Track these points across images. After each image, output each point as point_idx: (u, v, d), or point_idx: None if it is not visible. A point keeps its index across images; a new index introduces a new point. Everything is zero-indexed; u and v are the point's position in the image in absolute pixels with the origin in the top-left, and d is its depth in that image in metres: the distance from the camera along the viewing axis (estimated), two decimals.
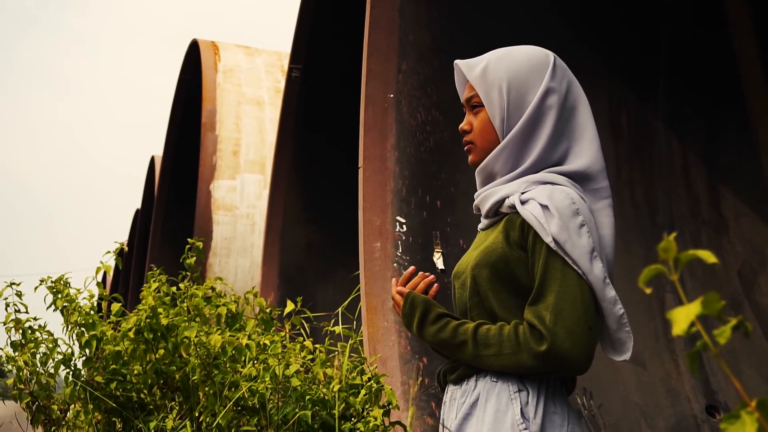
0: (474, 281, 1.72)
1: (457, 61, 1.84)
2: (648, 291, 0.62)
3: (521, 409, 1.61)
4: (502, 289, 1.68)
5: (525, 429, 1.59)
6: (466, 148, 1.82)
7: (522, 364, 1.60)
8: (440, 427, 1.79)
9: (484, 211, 1.78)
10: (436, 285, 1.85)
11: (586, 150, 1.73)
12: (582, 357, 1.57)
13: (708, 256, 0.61)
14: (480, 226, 1.85)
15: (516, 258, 1.67)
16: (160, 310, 3.15)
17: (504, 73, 1.73)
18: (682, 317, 0.59)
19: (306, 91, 6.82)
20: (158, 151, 12.30)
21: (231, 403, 2.88)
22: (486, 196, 1.77)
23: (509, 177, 1.73)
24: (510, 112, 1.73)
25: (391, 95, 3.64)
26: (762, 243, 4.11)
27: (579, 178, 1.71)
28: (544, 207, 1.62)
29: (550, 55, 1.77)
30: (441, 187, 3.62)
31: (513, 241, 1.68)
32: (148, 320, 3.09)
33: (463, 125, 1.82)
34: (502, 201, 1.72)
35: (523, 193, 1.68)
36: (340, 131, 6.51)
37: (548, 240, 1.60)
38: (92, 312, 3.25)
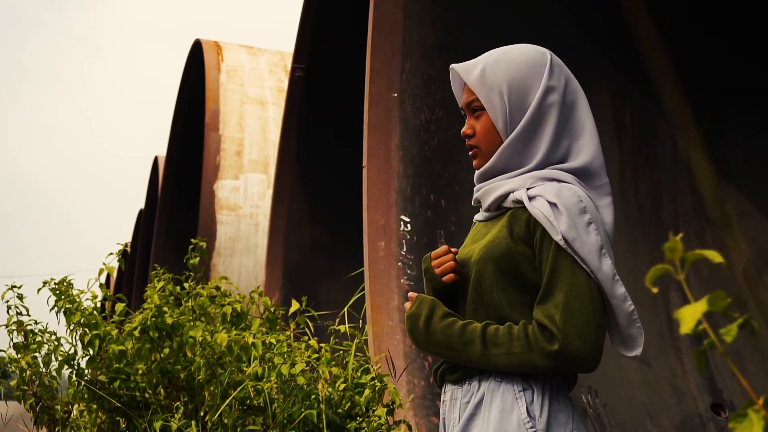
0: (478, 276, 1.71)
1: (453, 66, 1.84)
2: (655, 290, 0.61)
3: (527, 407, 1.62)
4: (507, 284, 1.68)
5: (532, 427, 1.60)
6: (471, 152, 1.82)
7: (532, 363, 1.60)
8: (440, 424, 1.78)
9: (486, 204, 1.78)
10: (453, 274, 1.78)
11: (586, 146, 1.73)
12: (592, 356, 1.59)
13: (714, 256, 0.60)
14: (478, 217, 1.84)
15: (520, 254, 1.67)
16: (165, 309, 3.14)
17: (503, 77, 1.73)
18: (689, 316, 0.59)
19: (309, 90, 6.82)
20: (162, 152, 12.31)
21: (237, 402, 2.88)
22: (489, 190, 1.76)
23: (514, 173, 1.72)
24: (512, 114, 1.73)
25: (395, 94, 3.63)
26: (767, 241, 4.10)
27: (582, 175, 1.71)
28: (553, 204, 1.62)
29: (547, 53, 1.77)
30: (445, 185, 3.62)
31: (517, 236, 1.68)
32: (154, 319, 3.09)
33: (465, 129, 1.82)
34: (505, 195, 1.72)
35: (529, 189, 1.67)
36: (343, 130, 6.50)
37: (557, 238, 1.60)
38: (95, 312, 3.25)
